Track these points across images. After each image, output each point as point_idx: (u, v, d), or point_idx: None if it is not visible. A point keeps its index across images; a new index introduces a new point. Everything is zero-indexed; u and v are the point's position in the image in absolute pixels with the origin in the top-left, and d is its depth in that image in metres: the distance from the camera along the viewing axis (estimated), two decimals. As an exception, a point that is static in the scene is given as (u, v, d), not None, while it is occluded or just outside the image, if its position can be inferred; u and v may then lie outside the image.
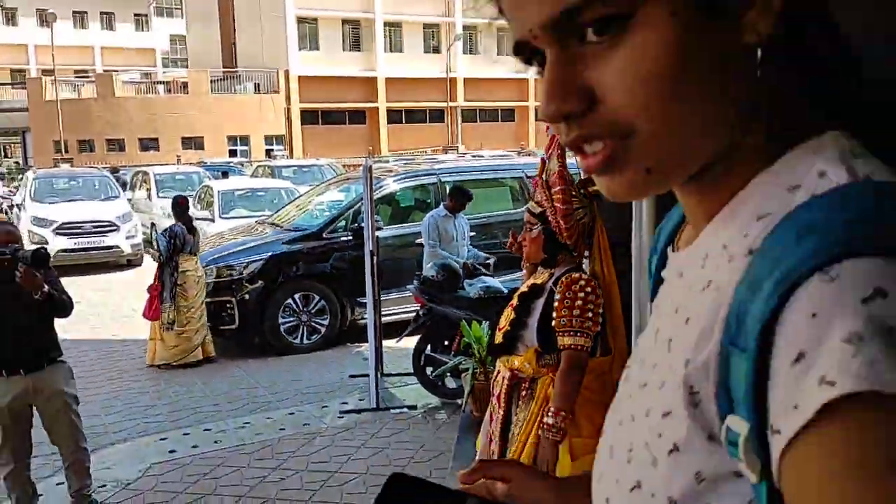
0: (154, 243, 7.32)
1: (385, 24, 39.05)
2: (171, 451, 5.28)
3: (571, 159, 2.97)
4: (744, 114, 0.55)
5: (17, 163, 40.30)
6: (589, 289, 2.58)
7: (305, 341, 7.84)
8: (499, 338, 2.75)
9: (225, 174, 17.17)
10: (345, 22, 38.53)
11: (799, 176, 0.52)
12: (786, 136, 0.55)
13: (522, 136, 41.98)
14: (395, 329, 6.79)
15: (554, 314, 2.57)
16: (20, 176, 21.73)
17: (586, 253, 2.78)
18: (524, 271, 2.97)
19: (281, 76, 36.37)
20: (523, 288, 2.77)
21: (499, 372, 2.77)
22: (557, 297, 2.58)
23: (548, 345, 2.61)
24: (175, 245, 7.17)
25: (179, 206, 7.51)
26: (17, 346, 3.92)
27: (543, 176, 2.71)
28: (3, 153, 45.89)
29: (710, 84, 0.52)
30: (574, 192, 2.66)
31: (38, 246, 4.27)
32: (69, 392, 4.13)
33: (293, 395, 6.47)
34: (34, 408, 4.08)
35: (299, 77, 36.75)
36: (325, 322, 7.91)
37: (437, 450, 5.07)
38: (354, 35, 39.16)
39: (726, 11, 0.52)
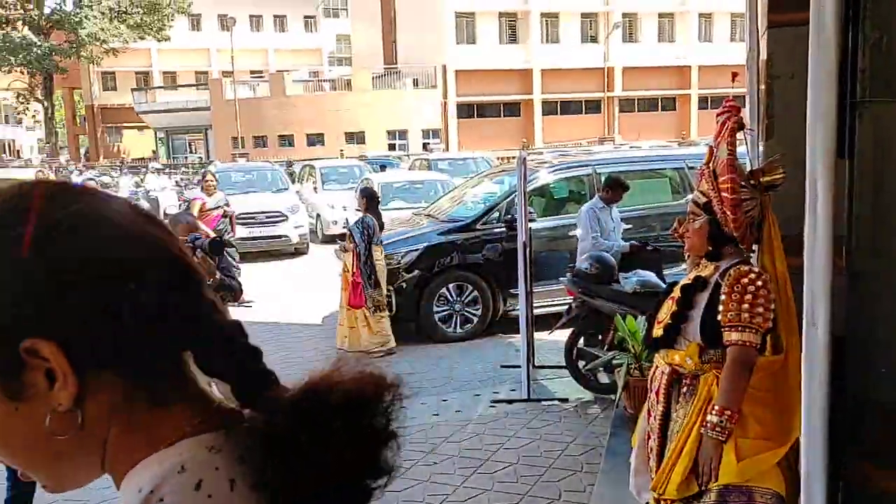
0: (348, 234, 7.59)
1: (542, 14, 38.78)
2: (332, 430, 5.53)
3: (741, 147, 2.81)
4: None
5: (200, 158, 43.84)
6: (760, 283, 2.43)
7: (458, 330, 7.96)
8: (658, 331, 2.65)
9: (383, 167, 17.77)
10: (501, 15, 38.65)
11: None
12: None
13: (684, 126, 40.34)
14: (548, 321, 6.75)
15: (721, 308, 2.45)
16: (203, 170, 23.52)
17: (754, 246, 2.62)
18: (686, 263, 2.85)
19: (439, 71, 37.08)
20: (686, 280, 2.65)
21: (657, 367, 2.67)
22: (725, 290, 2.45)
23: (712, 340, 2.49)
24: (368, 235, 7.36)
25: (369, 197, 7.67)
26: None
27: (710, 165, 2.58)
28: (189, 149, 50.08)
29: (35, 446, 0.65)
30: (743, 182, 2.51)
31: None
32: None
33: (446, 383, 6.59)
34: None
35: (456, 71, 37.31)
36: (478, 312, 7.99)
37: (589, 444, 4.99)
38: (511, 27, 39.20)
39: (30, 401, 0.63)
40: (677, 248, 2.79)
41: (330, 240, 15.40)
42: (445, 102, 37.37)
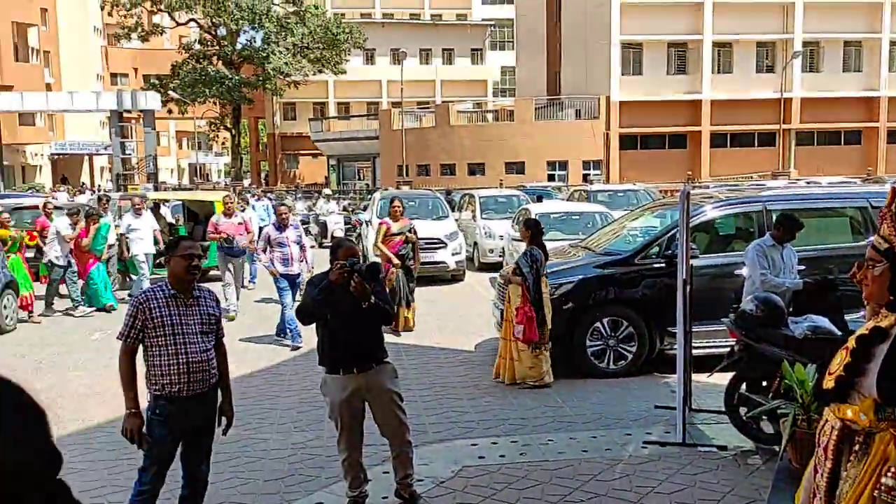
0: (515, 266, 7.63)
1: (714, 44, 37.45)
2: (481, 457, 5.56)
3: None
4: None
5: (367, 185, 45.94)
6: (947, 338, 2.20)
7: (612, 366, 7.77)
8: (829, 383, 2.47)
9: (539, 198, 17.78)
10: (670, 45, 37.73)
11: None
12: None
13: (870, 161, 37.35)
14: (707, 363, 6.44)
15: (902, 363, 2.24)
16: (369, 196, 24.61)
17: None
18: (864, 311, 2.64)
19: (602, 102, 36.71)
20: (863, 330, 2.45)
21: (826, 421, 2.49)
22: (907, 344, 2.25)
23: (891, 396, 2.29)
24: (536, 269, 7.32)
25: (534, 228, 7.56)
26: (351, 347, 4.44)
27: (893, 207, 2.39)
28: (357, 175, 52.64)
29: None
30: (931, 227, 2.30)
31: (373, 261, 4.84)
32: (394, 390, 4.57)
33: (596, 419, 6.44)
34: (366, 403, 4.58)
35: (620, 102, 36.77)
36: (633, 349, 7.77)
37: (749, 497, 4.69)
38: (680, 58, 38.14)
39: None
40: (858, 292, 2.59)
41: (486, 268, 15.61)
42: (608, 133, 36.88)
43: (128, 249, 12.37)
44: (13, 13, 45.30)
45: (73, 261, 11.70)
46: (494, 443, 5.91)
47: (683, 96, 37.46)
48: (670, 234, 7.75)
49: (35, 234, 12.75)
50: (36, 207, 15.77)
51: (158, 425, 3.94)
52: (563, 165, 36.43)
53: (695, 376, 6.27)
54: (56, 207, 13.57)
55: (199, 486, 4.17)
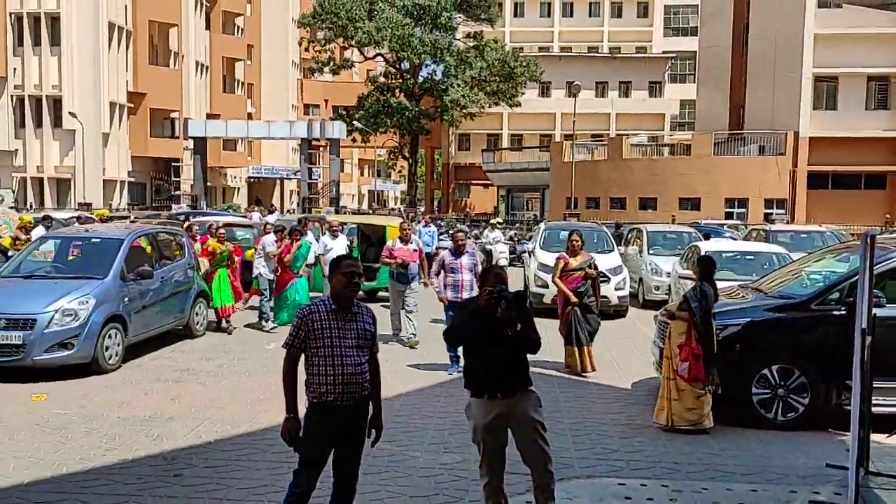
0: (682, 301, 7.40)
1: (921, 78, 34.25)
2: (627, 498, 5.39)
3: None
4: None
5: (535, 215, 46.07)
6: None
7: (780, 418, 7.25)
8: None
9: (707, 236, 17.03)
10: (871, 78, 34.92)
11: None
12: None
13: None
14: (890, 423, 5.86)
15: None
16: (534, 227, 24.67)
17: None
18: None
19: (789, 137, 34.58)
20: None
21: None
22: None
23: None
24: (706, 305, 7.03)
25: (705, 266, 7.32)
26: (495, 373, 4.48)
27: None
28: (526, 206, 52.97)
29: None
30: None
31: (520, 290, 4.86)
32: (537, 419, 4.56)
33: (758, 472, 6.04)
34: (509, 430, 4.60)
35: (810, 138, 34.46)
36: (805, 401, 7.20)
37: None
38: (881, 92, 35.19)
39: None
40: None
41: (651, 305, 15.12)
42: (795, 171, 34.62)
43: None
44: (225, 49, 50.26)
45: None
46: (643, 484, 5.71)
47: (884, 133, 34.46)
48: (853, 279, 7.14)
49: (241, 249, 13.64)
50: (231, 225, 17.30)
51: (313, 431, 4.20)
52: (743, 203, 34.59)
53: (874, 436, 5.74)
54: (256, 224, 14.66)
55: (347, 492, 4.38)
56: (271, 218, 25.00)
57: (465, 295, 9.22)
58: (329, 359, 4.17)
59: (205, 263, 12.39)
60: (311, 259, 12.63)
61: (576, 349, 9.46)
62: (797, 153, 34.53)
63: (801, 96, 34.51)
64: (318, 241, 13.28)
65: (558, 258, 9.76)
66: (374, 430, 4.42)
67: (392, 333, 11.21)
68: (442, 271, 9.67)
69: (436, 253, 15.78)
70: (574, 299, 9.41)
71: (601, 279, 13.45)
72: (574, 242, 9.68)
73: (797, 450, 6.60)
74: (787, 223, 27.90)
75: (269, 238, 12.45)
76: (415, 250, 11.15)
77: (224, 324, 12.06)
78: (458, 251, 9.67)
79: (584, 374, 9.37)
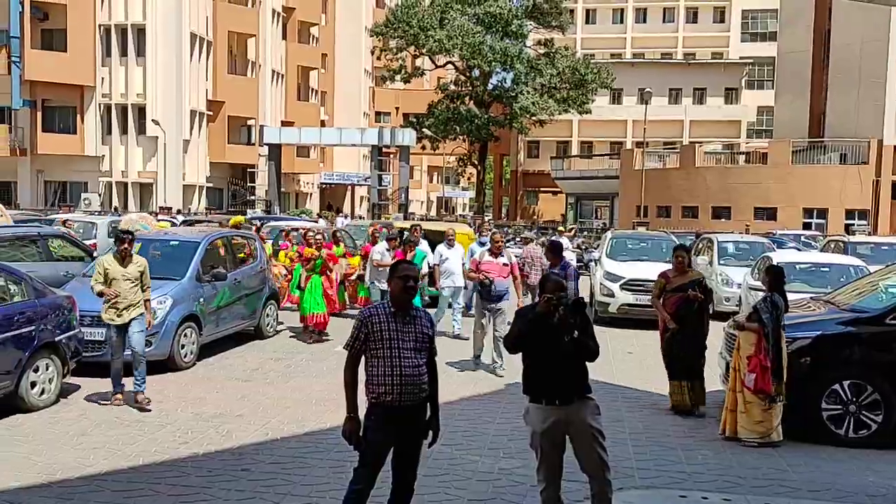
0: (752, 312, 7.28)
1: None
2: (686, 510, 5.34)
3: None
4: None
5: (604, 223, 45.51)
6: None
7: (851, 435, 7.03)
8: None
9: (780, 245, 16.56)
10: (961, 84, 33.29)
11: None
12: None
13: None
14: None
15: None
16: (602, 235, 24.39)
17: None
18: None
19: (872, 146, 33.24)
20: None
21: None
22: None
23: None
24: (776, 316, 6.91)
25: (775, 276, 7.16)
26: (553, 379, 4.54)
27: None
28: (595, 214, 52.39)
29: None
30: None
31: (579, 297, 4.92)
32: (595, 426, 4.58)
33: (826, 489, 5.89)
34: (567, 436, 4.63)
35: (895, 147, 33.05)
36: (878, 418, 6.97)
37: None
38: (974, 97, 33.50)
39: None
40: None
41: (720, 316, 14.77)
42: (878, 180, 33.23)
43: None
44: (300, 58, 51.49)
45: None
46: (705, 497, 5.64)
47: (977, 141, 32.79)
48: (932, 294, 6.89)
49: (336, 256, 12.79)
50: (299, 230, 17.69)
51: (372, 430, 4.34)
52: (822, 213, 33.40)
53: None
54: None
55: (405, 492, 4.49)
56: (339, 222, 25.42)
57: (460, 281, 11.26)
58: (388, 360, 4.30)
59: (278, 269, 12.64)
60: (424, 269, 11.82)
61: (684, 384, 8.05)
62: (881, 162, 33.14)
63: (885, 103, 33.14)
64: (433, 250, 12.62)
65: (659, 276, 8.40)
66: (431, 432, 4.52)
67: (473, 357, 10.06)
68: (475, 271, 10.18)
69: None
70: (672, 325, 7.99)
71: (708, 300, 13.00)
72: (680, 259, 8.12)
73: (867, 468, 6.40)
74: (870, 234, 26.81)
75: (381, 247, 11.94)
76: (505, 264, 10.01)
77: (312, 333, 11.56)
78: (495, 252, 10.14)
79: (696, 414, 7.96)
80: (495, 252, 10.14)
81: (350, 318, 12.86)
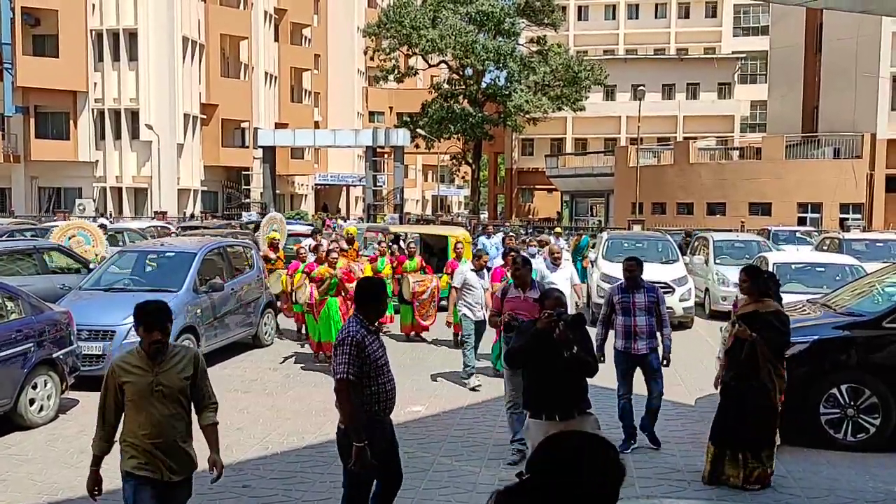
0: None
1: None
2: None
3: None
4: None
5: (599, 221, 45.57)
6: None
7: (849, 438, 7.06)
8: None
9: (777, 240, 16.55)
10: (953, 76, 33.43)
11: None
12: None
13: None
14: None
15: None
16: (598, 235, 24.40)
17: None
18: None
19: (866, 140, 33.35)
20: None
21: None
22: None
23: None
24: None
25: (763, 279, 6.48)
26: (554, 394, 4.58)
27: None
28: (590, 212, 52.45)
29: None
30: None
31: (578, 313, 4.97)
32: (597, 442, 4.62)
33: (825, 495, 5.92)
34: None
35: (888, 140, 33.16)
36: (876, 422, 7.00)
37: None
38: (965, 89, 33.63)
39: None
40: None
41: (718, 316, 14.83)
42: (871, 174, 33.36)
43: None
44: (293, 60, 51.43)
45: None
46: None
47: (969, 133, 32.91)
48: (928, 297, 6.92)
49: (352, 273, 10.59)
50: (300, 235, 17.63)
51: (375, 450, 4.40)
52: (817, 208, 33.51)
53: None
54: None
55: (395, 491, 4.68)
56: (349, 225, 25.18)
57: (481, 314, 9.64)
58: (380, 378, 4.45)
59: (276, 279, 12.22)
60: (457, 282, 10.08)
61: (739, 456, 6.05)
62: (874, 156, 33.27)
63: (878, 97, 33.25)
64: (433, 257, 12.55)
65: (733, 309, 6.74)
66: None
67: (508, 408, 6.81)
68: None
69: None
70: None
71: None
72: (744, 284, 6.28)
73: (866, 473, 6.43)
74: (864, 229, 26.90)
75: (467, 266, 9.97)
76: (535, 300, 6.25)
77: (324, 360, 10.15)
78: (555, 264, 10.27)
79: (748, 488, 6.00)
80: (520, 284, 7.32)
81: (419, 341, 12.42)
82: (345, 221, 31.22)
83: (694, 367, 10.68)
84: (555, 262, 10.35)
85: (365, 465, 4.29)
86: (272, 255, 13.14)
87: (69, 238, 14.37)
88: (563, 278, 10.06)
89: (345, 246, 13.58)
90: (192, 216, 37.46)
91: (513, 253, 9.85)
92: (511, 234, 20.02)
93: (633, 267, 7.07)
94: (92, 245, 14.52)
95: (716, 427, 6.15)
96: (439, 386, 9.50)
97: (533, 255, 11.76)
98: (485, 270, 10.12)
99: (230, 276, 11.09)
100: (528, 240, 15.72)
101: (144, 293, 9.69)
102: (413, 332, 12.54)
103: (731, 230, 24.43)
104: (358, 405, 4.32)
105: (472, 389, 9.19)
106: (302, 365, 10.65)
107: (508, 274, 8.98)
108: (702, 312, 15.56)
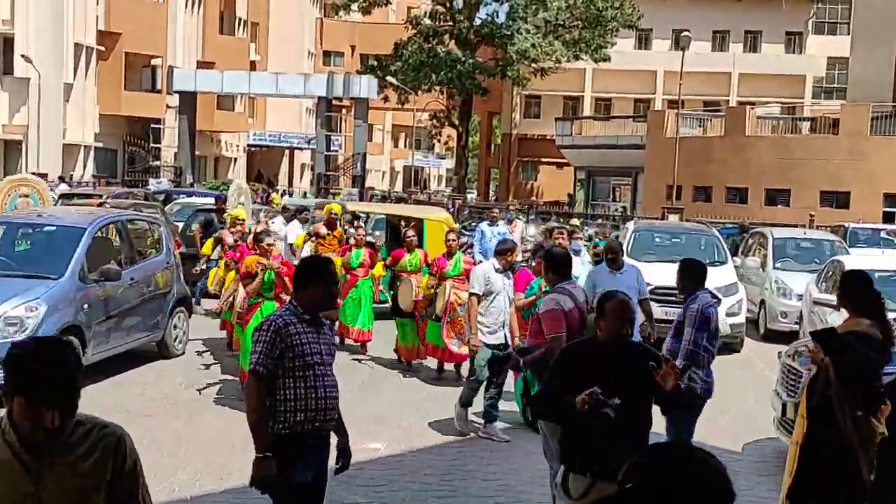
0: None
1: None
2: None
3: None
4: None
5: (623, 208, 45.76)
6: None
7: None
8: None
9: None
10: None
11: None
12: None
13: None
14: None
15: None
16: (622, 226, 24.40)
17: None
18: None
19: (976, 114, 33.73)
20: None
21: None
22: None
23: None
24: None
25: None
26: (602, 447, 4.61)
27: None
28: (612, 195, 52.67)
29: None
30: None
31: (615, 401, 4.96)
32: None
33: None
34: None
35: None
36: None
37: None
38: None
39: None
40: None
41: (774, 336, 14.95)
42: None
43: None
44: (223, -22, 51.13)
45: None
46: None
47: None
48: None
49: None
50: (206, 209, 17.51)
51: (299, 471, 4.60)
52: (908, 201, 33.89)
53: None
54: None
55: None
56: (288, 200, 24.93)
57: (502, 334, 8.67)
58: (308, 379, 4.56)
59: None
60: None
61: None
62: None
63: None
64: (399, 241, 12.46)
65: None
66: (342, 460, 4.83)
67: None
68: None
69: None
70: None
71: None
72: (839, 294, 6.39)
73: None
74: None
75: (489, 266, 9.21)
76: (587, 313, 6.94)
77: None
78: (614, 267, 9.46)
79: None
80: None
81: (439, 381, 11.32)
82: (284, 196, 31.02)
83: (742, 403, 10.75)
84: (612, 263, 9.43)
85: (266, 484, 4.48)
86: (231, 240, 12.48)
87: (17, 197, 14.21)
88: (626, 287, 8.21)
89: (322, 231, 13.33)
90: (80, 182, 37.04)
91: (547, 246, 9.20)
92: (558, 225, 17.99)
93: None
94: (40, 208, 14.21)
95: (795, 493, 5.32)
96: (407, 414, 9.49)
97: (577, 252, 11.16)
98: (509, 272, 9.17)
99: (130, 262, 10.99)
100: (573, 231, 14.13)
101: (13, 279, 9.59)
102: (437, 361, 11.50)
103: (795, 225, 24.59)
104: (263, 404, 4.57)
105: (502, 441, 8.63)
106: (224, 381, 10.57)
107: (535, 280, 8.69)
108: (754, 331, 15.67)
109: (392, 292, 12.38)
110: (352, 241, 12.99)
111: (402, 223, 15.06)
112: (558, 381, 4.73)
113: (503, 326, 8.82)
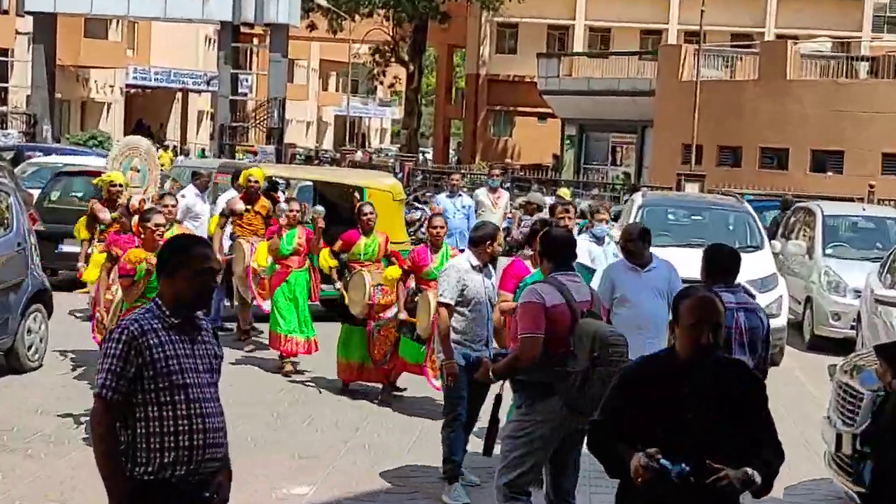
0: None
1: None
2: None
3: None
4: None
5: (625, 174, 45.90)
6: None
7: None
8: None
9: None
10: None
11: None
12: None
13: None
14: None
15: None
16: (624, 199, 24.43)
17: None
18: None
19: None
20: None
21: None
22: None
23: None
24: None
25: None
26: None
27: None
28: (610, 157, 52.77)
29: None
30: None
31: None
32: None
33: None
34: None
35: None
36: None
37: None
38: None
39: None
40: None
41: (824, 344, 15.08)
42: None
43: None
44: None
45: None
46: None
47: None
48: None
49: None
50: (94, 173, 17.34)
51: None
52: None
53: None
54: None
55: None
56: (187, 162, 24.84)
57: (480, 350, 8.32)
58: (177, 406, 4.35)
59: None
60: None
61: None
62: None
63: None
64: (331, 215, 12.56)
65: None
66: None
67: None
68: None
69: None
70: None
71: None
72: None
73: None
74: None
75: (464, 261, 8.92)
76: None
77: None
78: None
79: None
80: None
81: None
82: (178, 157, 30.74)
83: (784, 431, 10.81)
84: (631, 256, 8.99)
85: None
86: (105, 217, 12.18)
87: (127, 167, 13.36)
88: (649, 289, 8.96)
89: (240, 208, 13.34)
90: None
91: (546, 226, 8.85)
92: (563, 201, 17.54)
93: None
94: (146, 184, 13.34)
95: None
96: (346, 452, 9.50)
97: (601, 240, 11.25)
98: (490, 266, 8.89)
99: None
100: (594, 208, 14.08)
101: None
102: (388, 381, 11.38)
103: (851, 199, 24.78)
104: (114, 441, 4.35)
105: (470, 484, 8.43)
106: (90, 401, 10.45)
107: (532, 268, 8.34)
108: (797, 336, 15.80)
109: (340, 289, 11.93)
110: (282, 219, 12.73)
111: (348, 194, 14.87)
112: (611, 417, 4.39)
113: (486, 344, 8.48)
